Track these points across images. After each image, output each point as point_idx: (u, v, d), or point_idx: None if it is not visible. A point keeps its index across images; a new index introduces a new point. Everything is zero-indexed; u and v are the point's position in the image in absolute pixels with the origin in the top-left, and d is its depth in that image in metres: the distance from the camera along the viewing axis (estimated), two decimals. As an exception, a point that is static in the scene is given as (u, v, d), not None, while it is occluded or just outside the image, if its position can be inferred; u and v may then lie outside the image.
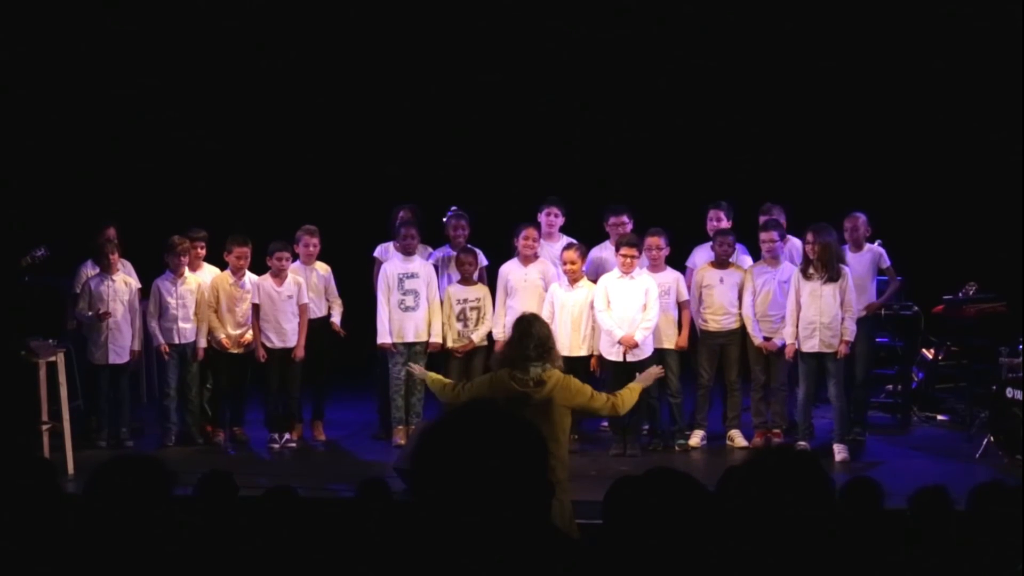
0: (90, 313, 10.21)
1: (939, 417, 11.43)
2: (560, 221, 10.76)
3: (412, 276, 10.33)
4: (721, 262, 10.37)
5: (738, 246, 10.52)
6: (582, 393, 7.05)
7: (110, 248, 10.32)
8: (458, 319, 10.42)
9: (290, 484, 6.25)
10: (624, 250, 9.98)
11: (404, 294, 10.30)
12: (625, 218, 10.54)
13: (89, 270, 10.45)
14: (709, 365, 10.41)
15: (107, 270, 10.32)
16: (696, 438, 10.39)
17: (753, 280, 10.27)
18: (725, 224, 10.69)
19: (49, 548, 3.75)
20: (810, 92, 13.26)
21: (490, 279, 10.74)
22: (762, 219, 10.58)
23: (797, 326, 9.90)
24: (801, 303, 9.87)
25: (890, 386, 11.82)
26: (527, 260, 10.37)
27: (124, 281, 10.39)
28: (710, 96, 13.46)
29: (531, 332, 7.01)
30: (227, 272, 10.57)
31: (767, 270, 10.28)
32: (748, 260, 10.63)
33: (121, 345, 10.34)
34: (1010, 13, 12.11)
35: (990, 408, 9.88)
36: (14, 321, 9.87)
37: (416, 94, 13.67)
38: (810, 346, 9.88)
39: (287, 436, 10.43)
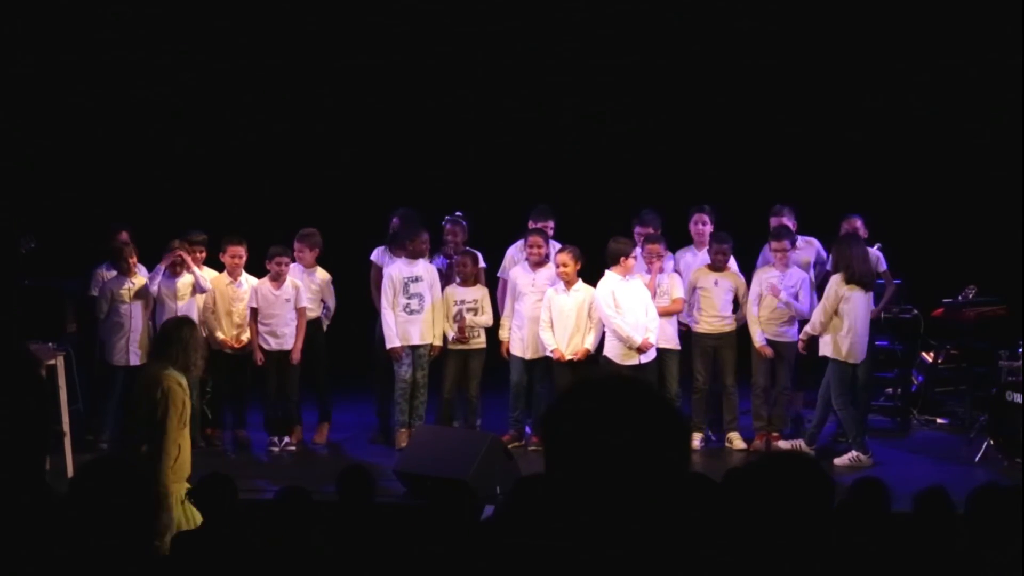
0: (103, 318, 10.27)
1: (939, 420, 11.45)
2: (551, 231, 10.79)
3: (416, 280, 10.34)
4: (716, 265, 10.41)
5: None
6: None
7: (128, 251, 10.37)
8: (454, 319, 10.45)
9: (279, 487, 6.25)
10: (633, 253, 10.08)
11: (409, 298, 10.32)
12: (651, 229, 10.58)
13: (104, 272, 10.48)
14: (704, 368, 10.46)
15: (126, 273, 10.36)
16: (695, 440, 10.40)
17: (761, 284, 10.31)
18: (709, 228, 10.73)
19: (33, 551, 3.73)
20: (808, 93, 13.28)
21: (489, 281, 10.78)
22: (773, 220, 10.64)
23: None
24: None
25: (890, 389, 11.83)
26: (536, 265, 10.42)
27: (142, 283, 10.42)
28: (708, 98, 13.48)
29: (179, 336, 7.21)
30: (223, 273, 10.60)
31: (776, 275, 10.31)
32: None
33: (140, 345, 10.35)
34: (1010, 15, 12.12)
35: (990, 411, 9.91)
36: (13, 323, 9.88)
37: (416, 96, 13.69)
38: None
39: (286, 439, 10.44)
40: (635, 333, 9.95)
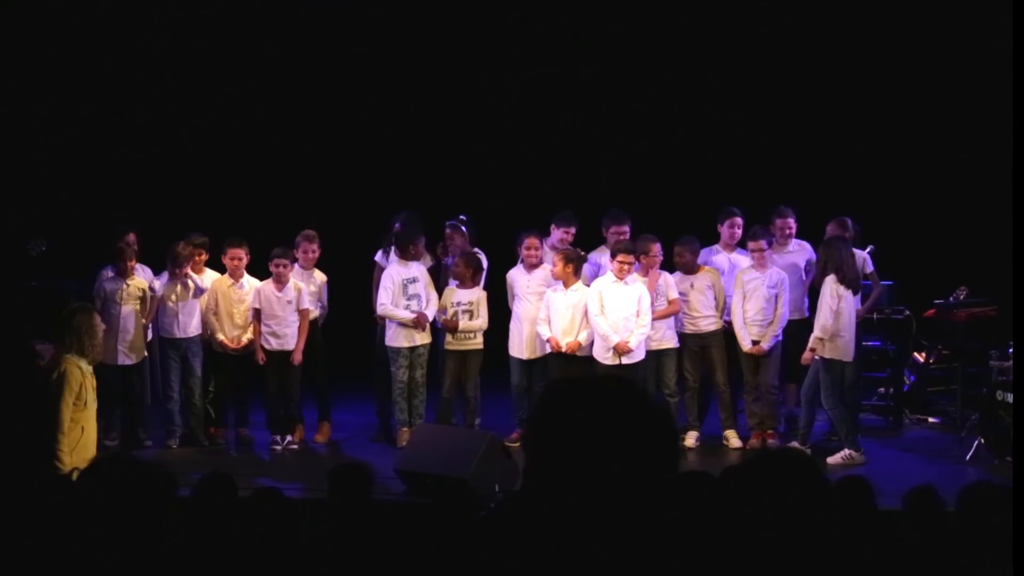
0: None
1: (930, 419, 11.56)
2: (572, 237, 10.91)
3: (413, 281, 10.49)
4: (688, 267, 10.54)
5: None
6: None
7: (128, 254, 10.45)
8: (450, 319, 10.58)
9: (281, 485, 6.34)
10: (621, 256, 10.15)
11: (408, 299, 10.45)
12: (626, 227, 10.70)
13: (109, 274, 10.55)
14: (693, 367, 10.56)
15: (122, 274, 10.44)
16: (690, 439, 10.53)
17: (743, 286, 10.43)
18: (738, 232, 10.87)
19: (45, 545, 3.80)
20: (802, 97, 13.38)
21: (493, 281, 10.88)
22: (778, 221, 10.80)
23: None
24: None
25: (882, 389, 11.93)
26: (531, 267, 10.55)
27: (137, 285, 10.52)
28: (703, 101, 13.58)
29: (71, 324, 7.61)
30: (225, 275, 10.71)
31: (756, 275, 10.43)
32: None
33: (131, 346, 10.46)
34: (1001, 19, 12.21)
35: (981, 410, 9.99)
36: (19, 323, 9.98)
37: (417, 100, 13.80)
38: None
39: (288, 438, 10.55)
40: (614, 333, 10.08)
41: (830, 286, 9.84)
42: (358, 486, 6.50)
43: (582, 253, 10.47)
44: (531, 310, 10.44)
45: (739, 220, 10.93)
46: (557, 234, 10.81)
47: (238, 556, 5.45)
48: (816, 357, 9.91)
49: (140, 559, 3.55)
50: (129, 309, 10.42)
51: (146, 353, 10.59)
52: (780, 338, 10.43)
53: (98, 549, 3.53)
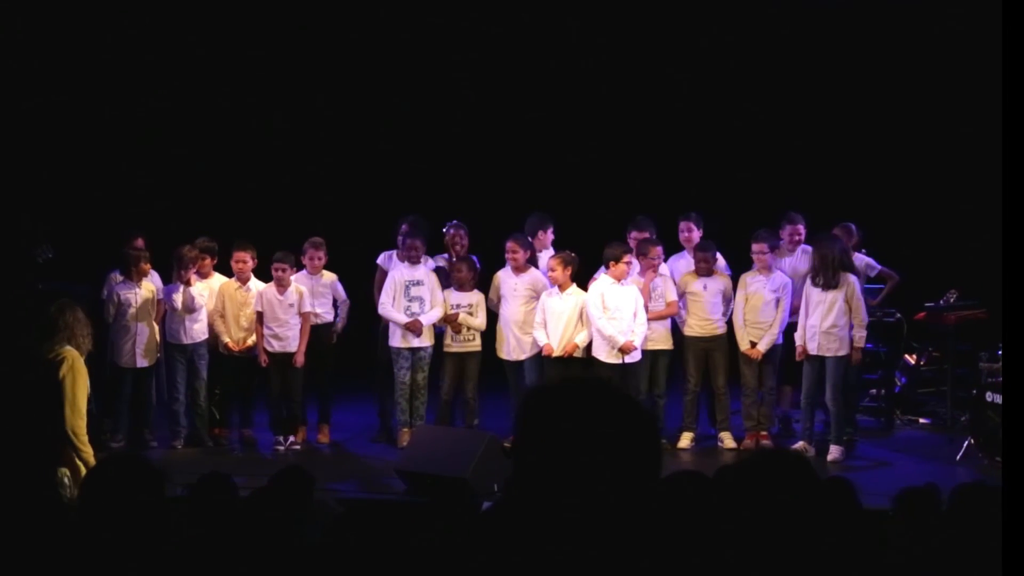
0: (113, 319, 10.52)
1: (921, 420, 11.67)
2: (551, 237, 11.06)
3: (418, 283, 10.62)
4: (701, 272, 10.69)
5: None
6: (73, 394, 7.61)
7: (139, 258, 10.57)
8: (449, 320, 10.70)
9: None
10: (628, 258, 10.34)
11: (410, 301, 10.58)
12: (648, 233, 10.82)
13: (117, 277, 10.67)
14: (695, 369, 10.67)
15: (134, 279, 10.57)
16: (685, 440, 10.67)
17: (745, 288, 10.58)
18: (696, 234, 11.00)
19: (46, 547, 3.88)
20: (797, 103, 13.50)
21: (483, 284, 11.01)
22: (787, 227, 10.92)
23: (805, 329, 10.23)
24: (808, 309, 10.20)
25: (874, 390, 12.05)
26: (517, 270, 10.68)
27: (149, 289, 10.65)
28: (703, 104, 13.69)
29: (64, 321, 7.75)
30: (232, 279, 10.86)
31: (759, 278, 10.57)
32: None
33: (146, 350, 10.61)
34: (990, 26, 12.34)
35: (971, 411, 10.11)
36: (27, 326, 10.07)
37: (419, 103, 13.91)
38: (811, 348, 10.21)
39: (291, 439, 10.68)
40: (619, 334, 10.22)
41: (858, 285, 10.08)
42: (300, 487, 6.55)
43: (573, 255, 10.54)
44: (513, 312, 10.55)
45: (691, 224, 11.04)
46: (541, 238, 10.95)
47: (236, 555, 5.56)
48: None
49: (139, 555, 3.66)
50: (143, 312, 10.57)
51: (159, 354, 10.75)
52: (780, 341, 10.56)
53: (98, 546, 3.66)
